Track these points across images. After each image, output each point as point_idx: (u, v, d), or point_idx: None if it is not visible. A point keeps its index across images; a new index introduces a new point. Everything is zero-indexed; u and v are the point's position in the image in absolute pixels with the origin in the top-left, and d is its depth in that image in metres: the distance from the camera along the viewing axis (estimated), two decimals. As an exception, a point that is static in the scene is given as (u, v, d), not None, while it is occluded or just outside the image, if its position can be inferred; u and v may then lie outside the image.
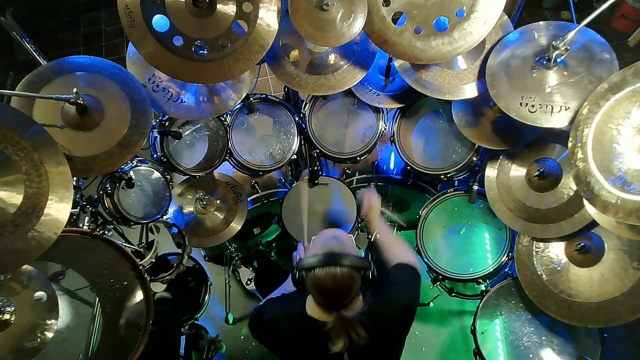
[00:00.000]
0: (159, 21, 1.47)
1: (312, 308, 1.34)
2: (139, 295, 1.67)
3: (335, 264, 1.23)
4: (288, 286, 1.68)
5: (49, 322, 1.46)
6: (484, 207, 2.11)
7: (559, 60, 1.45)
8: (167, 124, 2.05)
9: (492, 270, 2.05)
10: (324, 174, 2.34)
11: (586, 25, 1.35)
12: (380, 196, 1.84)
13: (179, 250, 2.11)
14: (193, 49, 1.50)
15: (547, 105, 1.46)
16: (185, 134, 2.13)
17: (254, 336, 1.49)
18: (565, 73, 1.46)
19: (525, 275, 1.81)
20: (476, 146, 2.02)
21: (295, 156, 2.24)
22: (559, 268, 1.73)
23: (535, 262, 1.79)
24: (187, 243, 2.10)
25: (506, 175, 1.85)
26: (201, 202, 2.19)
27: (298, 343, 1.35)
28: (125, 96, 1.53)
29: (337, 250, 1.28)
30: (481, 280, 2.07)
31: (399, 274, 1.48)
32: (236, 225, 2.22)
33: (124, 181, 1.80)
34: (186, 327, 2.35)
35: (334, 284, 1.23)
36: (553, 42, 1.40)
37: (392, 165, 2.54)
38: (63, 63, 1.53)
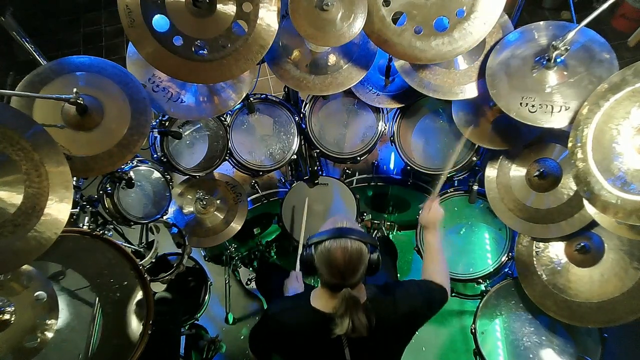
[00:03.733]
0: (159, 21, 1.47)
1: (316, 299, 1.34)
2: (139, 296, 1.67)
3: (346, 236, 1.25)
4: (291, 291, 1.69)
5: (49, 322, 1.45)
6: (484, 207, 2.11)
7: (559, 60, 1.45)
8: (167, 124, 2.05)
9: (492, 270, 2.05)
10: (324, 174, 2.34)
11: (586, 25, 1.36)
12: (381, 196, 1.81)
13: (179, 250, 2.11)
14: (193, 49, 1.50)
15: (547, 105, 1.46)
16: (185, 134, 2.13)
17: (255, 347, 1.48)
18: (565, 73, 1.46)
19: (525, 275, 1.81)
20: (476, 146, 2.02)
21: (295, 156, 2.24)
22: (559, 268, 1.73)
23: (535, 262, 1.79)
24: (187, 243, 2.10)
25: (506, 175, 1.85)
26: (201, 202, 2.19)
27: (302, 334, 1.35)
28: (125, 96, 1.53)
29: (348, 226, 1.30)
30: (481, 280, 2.07)
31: (421, 285, 1.47)
32: (236, 225, 2.22)
33: (124, 181, 1.80)
34: (186, 327, 2.35)
35: (344, 256, 1.23)
36: (553, 42, 1.40)
37: (392, 165, 2.55)
38: (63, 63, 1.53)
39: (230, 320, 2.62)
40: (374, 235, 2.80)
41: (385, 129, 2.20)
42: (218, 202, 2.24)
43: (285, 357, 1.44)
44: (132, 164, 1.89)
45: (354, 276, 1.26)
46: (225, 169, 2.34)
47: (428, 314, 1.43)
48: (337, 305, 1.24)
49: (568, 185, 1.66)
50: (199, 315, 2.41)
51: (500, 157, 1.88)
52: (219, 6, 1.47)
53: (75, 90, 1.39)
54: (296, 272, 1.80)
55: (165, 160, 2.05)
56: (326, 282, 1.31)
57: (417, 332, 1.43)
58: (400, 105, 2.06)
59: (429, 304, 1.44)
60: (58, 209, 1.27)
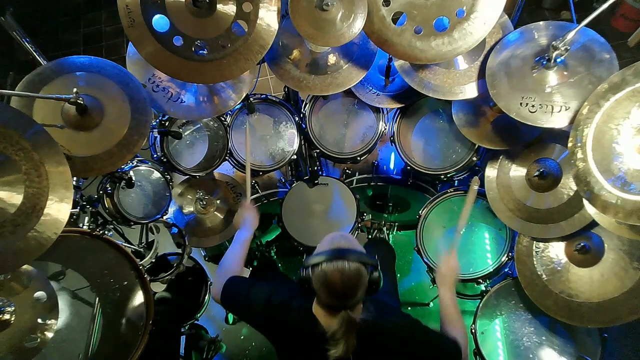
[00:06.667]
0: (159, 21, 1.47)
1: (317, 308, 1.33)
2: (139, 295, 1.67)
3: (343, 258, 1.22)
4: (246, 220, 1.69)
5: (49, 322, 1.46)
6: (484, 207, 2.11)
7: (559, 60, 1.45)
8: (167, 124, 2.05)
9: (492, 270, 2.05)
10: (324, 174, 2.34)
11: (586, 25, 1.36)
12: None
13: (179, 250, 2.12)
14: (193, 49, 1.50)
15: (547, 105, 1.46)
16: (185, 134, 2.13)
17: (227, 303, 1.44)
18: (565, 73, 1.46)
19: (525, 275, 1.81)
20: (476, 146, 2.02)
21: (295, 156, 2.24)
22: (559, 268, 1.73)
23: (535, 262, 1.79)
24: (187, 243, 2.10)
25: (506, 175, 1.85)
26: (201, 202, 2.19)
27: (296, 337, 1.34)
28: (125, 96, 1.53)
29: (345, 246, 1.27)
30: (481, 280, 2.07)
31: (434, 337, 1.37)
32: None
33: (124, 181, 1.80)
34: (186, 327, 2.35)
35: (342, 278, 1.20)
36: (553, 42, 1.40)
37: (392, 165, 2.54)
38: (63, 63, 1.53)
39: (230, 320, 2.63)
40: (374, 235, 2.80)
41: (385, 129, 2.20)
42: (218, 202, 2.24)
43: (273, 344, 1.43)
44: (132, 164, 1.90)
45: (352, 298, 1.24)
46: (225, 169, 2.34)
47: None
48: (335, 326, 1.22)
49: (568, 185, 1.66)
50: (199, 315, 2.41)
51: (500, 157, 1.88)
52: (219, 6, 1.47)
53: (75, 90, 1.39)
54: (247, 201, 1.79)
55: (165, 160, 2.05)
56: (325, 303, 1.28)
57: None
58: (400, 105, 2.06)
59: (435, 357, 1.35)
60: (58, 209, 1.27)
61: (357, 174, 2.51)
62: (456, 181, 2.30)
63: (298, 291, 1.36)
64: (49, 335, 1.45)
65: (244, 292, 1.43)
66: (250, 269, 2.82)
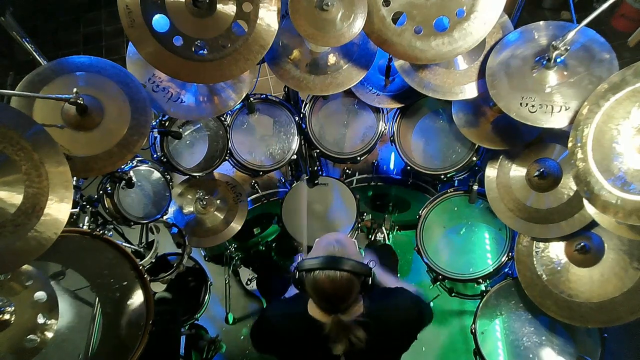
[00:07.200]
0: (159, 21, 1.47)
1: (313, 308, 1.34)
2: (139, 295, 1.67)
3: (335, 268, 1.23)
4: (291, 291, 1.69)
5: (49, 322, 1.45)
6: (484, 207, 2.11)
7: (559, 60, 1.45)
8: (167, 124, 2.05)
9: (492, 270, 2.05)
10: (324, 174, 2.34)
11: (586, 25, 1.36)
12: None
13: (179, 250, 2.11)
14: (193, 49, 1.50)
15: (547, 105, 1.46)
16: (185, 134, 2.13)
17: (255, 344, 1.50)
18: (565, 73, 1.46)
19: (525, 275, 1.81)
20: (476, 146, 2.02)
21: (295, 156, 2.24)
22: (559, 268, 1.73)
23: (535, 262, 1.79)
24: (187, 243, 2.10)
25: (506, 175, 1.85)
26: (201, 202, 2.19)
27: (299, 342, 1.35)
28: (125, 96, 1.53)
29: (338, 254, 1.28)
30: (481, 280, 2.07)
31: (413, 297, 1.49)
32: (236, 225, 2.22)
33: (124, 181, 1.80)
34: (186, 327, 2.35)
35: (333, 287, 1.22)
36: (553, 42, 1.39)
37: (392, 165, 2.55)
38: (63, 63, 1.53)
39: (230, 320, 2.63)
40: (374, 236, 2.80)
41: (385, 129, 2.20)
42: (218, 202, 2.24)
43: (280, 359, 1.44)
44: (132, 164, 1.89)
45: (343, 303, 1.26)
46: (225, 169, 2.34)
47: (419, 325, 1.45)
48: (328, 326, 1.24)
49: (568, 185, 1.66)
50: (199, 315, 2.41)
51: (500, 157, 1.88)
52: (219, 6, 1.47)
53: (75, 90, 1.39)
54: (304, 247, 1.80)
55: (165, 160, 2.05)
56: (317, 305, 1.31)
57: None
58: (400, 105, 2.06)
59: (420, 314, 1.45)
60: (58, 209, 1.27)
61: (357, 174, 2.51)
62: (456, 181, 2.30)
63: (292, 298, 1.38)
64: (49, 335, 1.44)
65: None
66: (251, 268, 2.82)
